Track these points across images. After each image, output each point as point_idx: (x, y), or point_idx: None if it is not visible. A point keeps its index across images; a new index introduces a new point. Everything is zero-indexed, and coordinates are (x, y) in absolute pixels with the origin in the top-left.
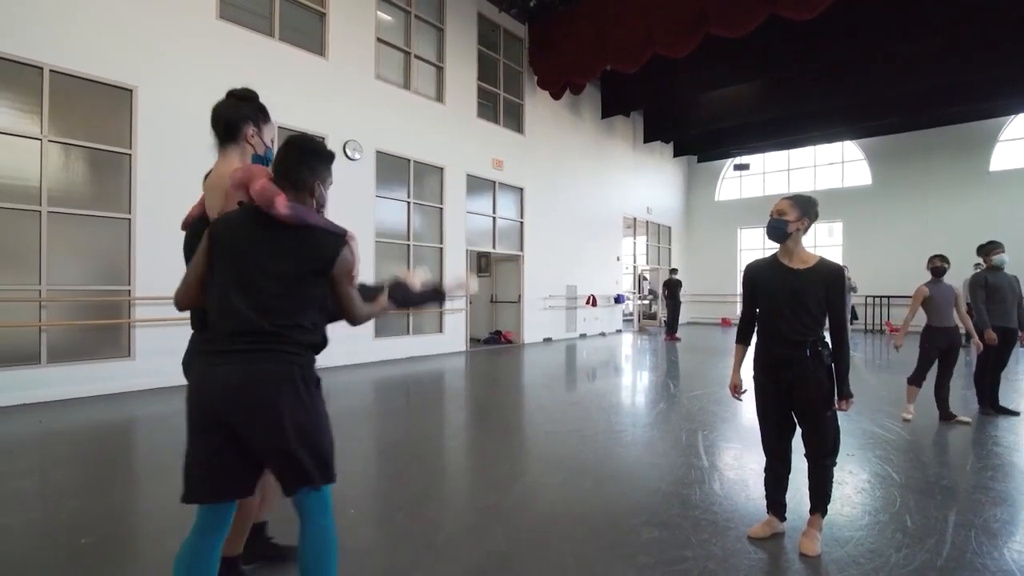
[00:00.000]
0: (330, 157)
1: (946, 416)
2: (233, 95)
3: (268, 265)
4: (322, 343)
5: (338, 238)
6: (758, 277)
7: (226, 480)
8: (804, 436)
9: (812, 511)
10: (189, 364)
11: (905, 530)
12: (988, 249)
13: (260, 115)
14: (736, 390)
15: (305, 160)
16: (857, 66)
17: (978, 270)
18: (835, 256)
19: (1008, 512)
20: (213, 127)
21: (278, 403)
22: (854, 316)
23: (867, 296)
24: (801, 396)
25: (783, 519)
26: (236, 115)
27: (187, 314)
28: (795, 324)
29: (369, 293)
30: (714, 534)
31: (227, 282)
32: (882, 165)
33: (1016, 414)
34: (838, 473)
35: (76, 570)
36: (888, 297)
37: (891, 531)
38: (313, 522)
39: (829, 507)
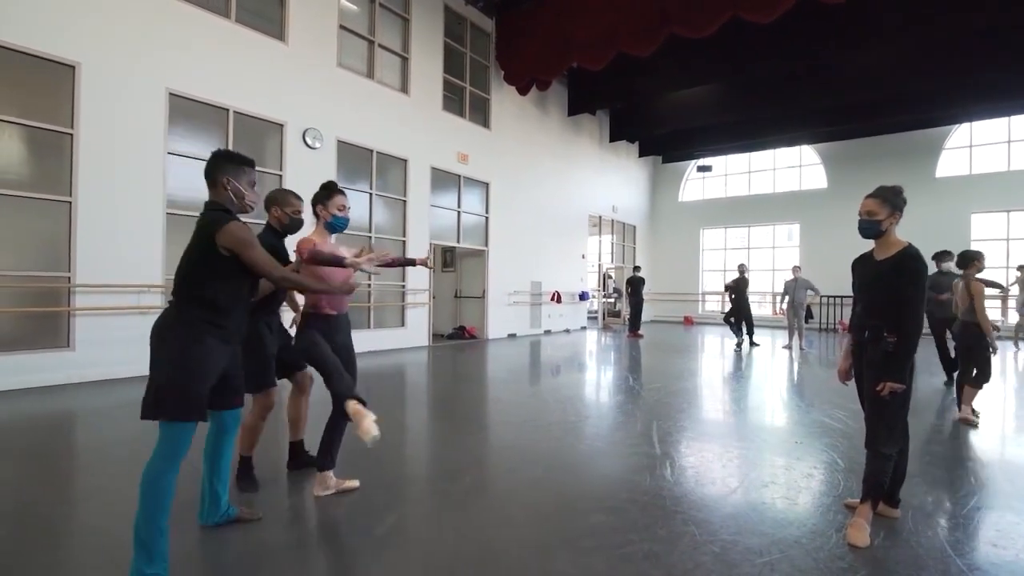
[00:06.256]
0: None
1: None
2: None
3: None
4: None
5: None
6: (856, 270)
7: None
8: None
9: (862, 500)
10: None
11: (846, 512)
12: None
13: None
14: (842, 376)
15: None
16: (814, 72)
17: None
18: (792, 257)
19: (942, 495)
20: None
21: None
22: (809, 315)
23: (822, 296)
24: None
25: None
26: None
27: (126, 302)
28: (868, 310)
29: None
30: (660, 518)
31: None
32: (837, 169)
33: None
34: (785, 459)
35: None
36: (842, 297)
37: (833, 513)
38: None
39: (770, 491)
